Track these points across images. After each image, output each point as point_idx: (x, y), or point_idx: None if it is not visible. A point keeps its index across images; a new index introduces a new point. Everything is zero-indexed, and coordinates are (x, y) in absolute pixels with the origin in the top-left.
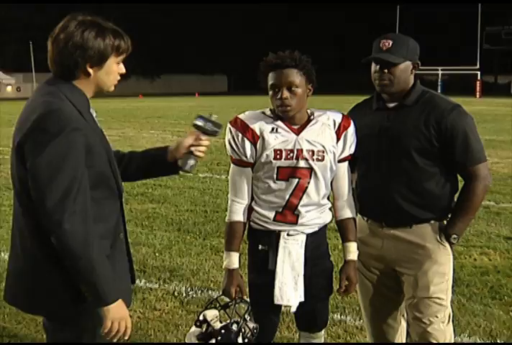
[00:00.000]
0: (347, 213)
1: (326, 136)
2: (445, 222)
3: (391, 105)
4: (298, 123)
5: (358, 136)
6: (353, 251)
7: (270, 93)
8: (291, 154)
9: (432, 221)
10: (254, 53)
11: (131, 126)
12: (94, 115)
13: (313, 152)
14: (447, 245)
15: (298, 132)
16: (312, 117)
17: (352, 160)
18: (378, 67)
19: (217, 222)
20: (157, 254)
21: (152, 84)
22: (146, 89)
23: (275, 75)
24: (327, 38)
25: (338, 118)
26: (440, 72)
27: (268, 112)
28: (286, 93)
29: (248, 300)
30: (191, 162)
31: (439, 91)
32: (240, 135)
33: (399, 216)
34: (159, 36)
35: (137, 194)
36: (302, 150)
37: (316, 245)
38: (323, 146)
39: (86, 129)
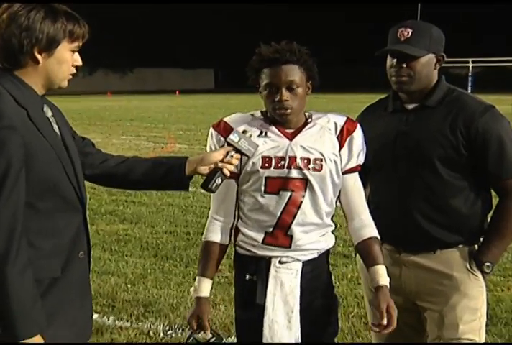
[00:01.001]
0: (368, 232)
1: (326, 141)
2: (476, 247)
3: (410, 106)
4: (293, 127)
5: (370, 144)
6: (384, 274)
7: (265, 93)
8: (282, 163)
9: (460, 246)
10: (247, 43)
11: (97, 131)
12: (49, 115)
13: (308, 160)
14: (479, 275)
15: (291, 137)
16: (310, 120)
17: (363, 172)
18: (395, 61)
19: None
20: (129, 285)
21: (123, 79)
22: (115, 85)
23: (272, 72)
24: (336, 19)
25: (340, 121)
26: (471, 65)
27: (258, 114)
28: (286, 94)
29: (222, 336)
30: (218, 180)
31: (469, 88)
32: (222, 139)
33: (420, 240)
34: (131, 22)
35: (105, 212)
36: (295, 158)
37: (315, 275)
38: (322, 154)
39: (26, 129)
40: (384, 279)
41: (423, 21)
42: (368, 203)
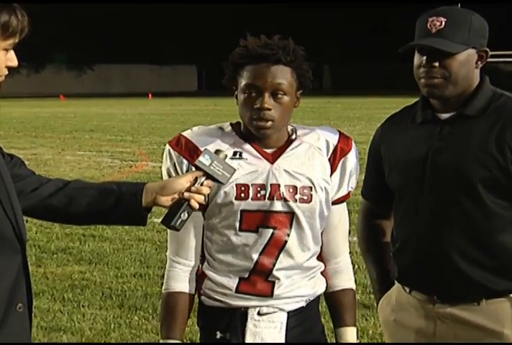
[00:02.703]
0: (341, 281)
1: (316, 165)
2: None
3: (445, 116)
4: (274, 146)
5: (394, 164)
6: (352, 340)
7: (242, 97)
8: (262, 192)
9: None
10: (236, 33)
11: (46, 145)
12: None
13: (295, 188)
14: None
15: (273, 159)
16: (294, 136)
17: (384, 200)
18: (425, 58)
19: None
20: None
21: (81, 79)
22: (71, 87)
23: (257, 70)
24: (336, 19)
25: (333, 138)
26: None
27: (228, 128)
28: (270, 101)
29: None
30: (184, 215)
31: None
32: (185, 162)
33: (460, 287)
34: (91, 7)
35: (56, 250)
36: (279, 186)
37: (304, 328)
38: (311, 181)
39: None
40: None
41: (460, 8)
42: (393, 238)
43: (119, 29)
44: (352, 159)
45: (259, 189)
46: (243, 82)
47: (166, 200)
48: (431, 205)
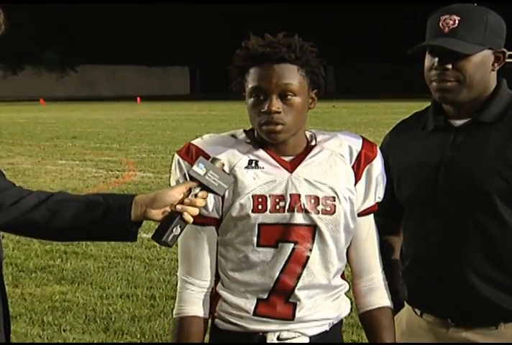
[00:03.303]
0: (378, 299)
1: (338, 173)
2: None
3: (459, 122)
4: (292, 153)
5: (404, 175)
6: None
7: (250, 101)
8: (281, 203)
9: None
10: (233, 32)
11: (25, 153)
12: None
13: (317, 199)
14: None
15: (291, 167)
16: (314, 143)
17: (393, 214)
18: (437, 60)
19: (172, 315)
20: None
21: (63, 81)
22: (51, 89)
23: (261, 72)
24: (336, 19)
25: (356, 144)
26: None
27: (242, 135)
28: (277, 104)
29: None
30: (176, 230)
31: None
32: None
33: (476, 309)
34: (74, 3)
35: (35, 269)
36: (299, 196)
37: None
38: (334, 190)
39: None
40: None
41: (475, 5)
42: (402, 256)
43: (105, 26)
44: (377, 167)
45: (277, 200)
46: (249, 85)
47: (157, 214)
48: (443, 221)
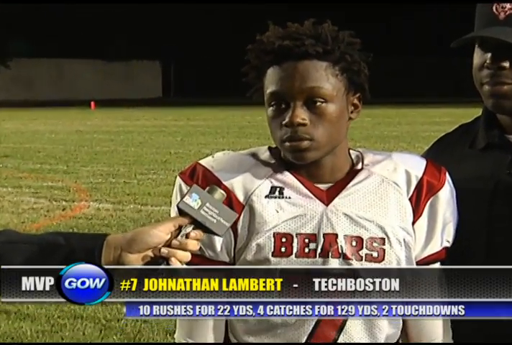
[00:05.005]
0: None
1: (391, 207)
2: None
3: None
4: (330, 179)
5: None
6: None
7: (269, 111)
8: (312, 246)
9: None
10: (221, 19)
11: None
12: None
13: (360, 240)
14: None
15: (328, 198)
16: (360, 166)
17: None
18: (490, 56)
19: None
20: None
21: None
22: None
23: (280, 73)
24: (336, 19)
25: (416, 168)
26: None
27: (265, 154)
28: (302, 114)
29: None
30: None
31: None
32: None
33: None
34: None
35: None
36: (336, 236)
37: None
38: (384, 230)
39: None
40: None
41: None
42: None
43: (46, 7)
44: (445, 199)
45: (307, 241)
46: (267, 91)
47: (136, 260)
48: (500, 258)
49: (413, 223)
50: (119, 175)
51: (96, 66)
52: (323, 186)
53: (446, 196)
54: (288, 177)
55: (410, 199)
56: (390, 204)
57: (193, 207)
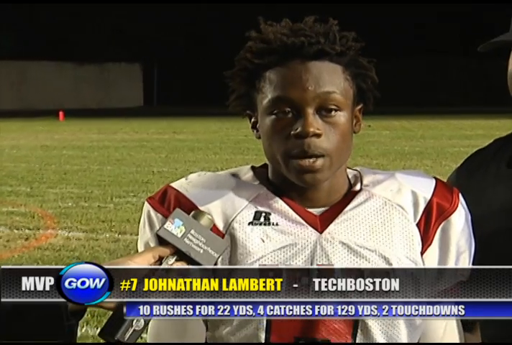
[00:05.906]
0: None
1: (395, 233)
2: None
3: None
4: (324, 203)
5: (477, 231)
6: None
7: (267, 122)
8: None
9: None
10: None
11: None
12: None
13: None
14: None
15: (322, 224)
16: (358, 186)
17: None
18: None
19: None
20: None
21: None
22: None
23: (287, 74)
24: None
25: (424, 189)
26: None
27: (248, 175)
28: (317, 123)
29: None
30: (138, 322)
31: None
32: None
33: None
34: None
35: None
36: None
37: None
38: (387, 261)
39: None
40: None
41: None
42: None
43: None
44: (458, 225)
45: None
46: (267, 96)
47: (108, 303)
48: None
49: (422, 253)
50: (92, 198)
51: (65, 69)
52: (316, 210)
53: (459, 221)
54: (274, 200)
55: (418, 224)
56: (395, 231)
57: (176, 235)
